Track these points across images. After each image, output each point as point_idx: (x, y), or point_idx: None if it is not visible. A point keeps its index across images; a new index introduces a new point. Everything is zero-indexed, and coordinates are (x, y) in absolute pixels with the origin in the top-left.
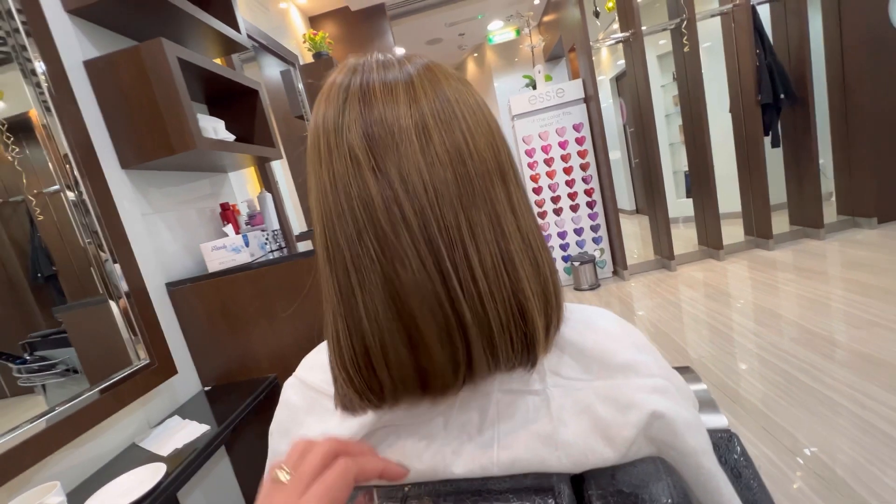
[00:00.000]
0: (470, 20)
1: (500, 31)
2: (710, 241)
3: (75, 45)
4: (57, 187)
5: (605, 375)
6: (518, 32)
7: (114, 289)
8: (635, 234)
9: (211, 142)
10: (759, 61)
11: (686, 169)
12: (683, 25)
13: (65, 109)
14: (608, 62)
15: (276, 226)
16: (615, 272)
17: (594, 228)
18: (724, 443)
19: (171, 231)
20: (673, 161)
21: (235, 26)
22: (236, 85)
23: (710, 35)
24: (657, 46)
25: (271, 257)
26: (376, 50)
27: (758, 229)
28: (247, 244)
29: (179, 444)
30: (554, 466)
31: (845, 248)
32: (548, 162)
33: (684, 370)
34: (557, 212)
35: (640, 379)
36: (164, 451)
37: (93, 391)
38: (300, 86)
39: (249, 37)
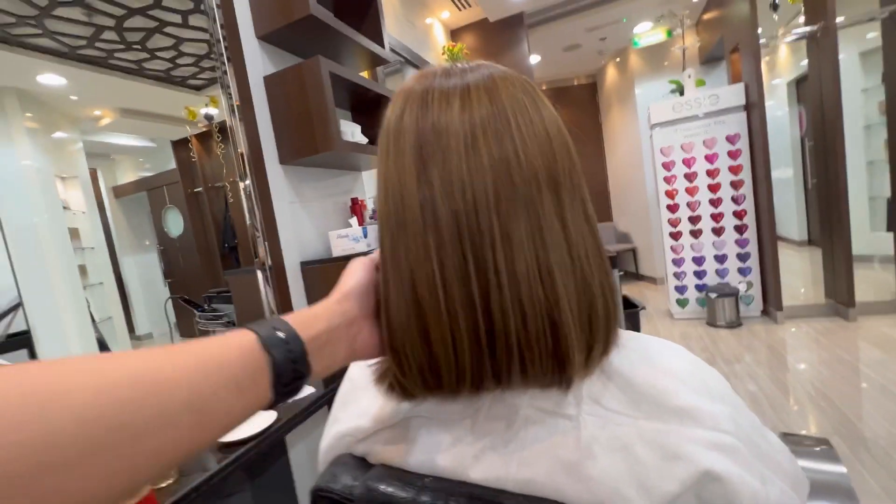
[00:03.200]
0: (613, 23)
1: (647, 34)
2: None
3: (259, 63)
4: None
5: (657, 417)
6: (669, 34)
7: (260, 262)
8: (802, 271)
9: (347, 144)
10: None
11: (889, 195)
12: None
13: (245, 115)
14: (787, 63)
15: None
16: (765, 311)
17: (742, 257)
18: None
19: (310, 218)
20: (870, 184)
21: (381, 43)
22: (374, 94)
23: None
24: (861, 41)
25: None
26: (510, 58)
27: None
28: (365, 235)
29: (290, 399)
30: (571, 499)
31: None
32: (689, 177)
33: (820, 444)
34: (695, 234)
35: (700, 430)
36: None
37: None
38: None
39: (394, 51)
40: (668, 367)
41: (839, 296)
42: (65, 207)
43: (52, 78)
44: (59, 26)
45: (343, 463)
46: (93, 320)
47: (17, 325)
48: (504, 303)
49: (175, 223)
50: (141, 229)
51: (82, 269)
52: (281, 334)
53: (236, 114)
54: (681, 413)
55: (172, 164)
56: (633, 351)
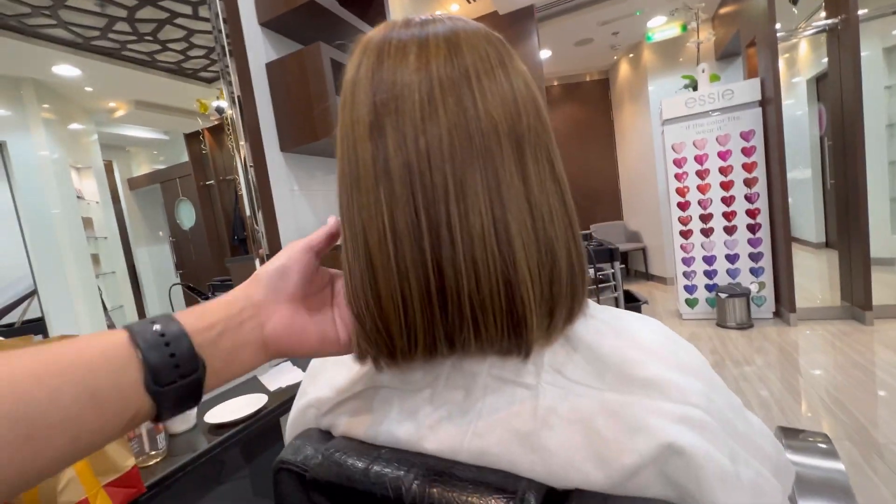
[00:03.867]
0: (626, 17)
1: (661, 28)
2: None
3: (261, 50)
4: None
5: (622, 388)
6: (684, 28)
7: (258, 248)
8: (819, 273)
9: None
10: None
11: None
12: None
13: (245, 102)
14: (807, 60)
15: None
16: (777, 313)
17: (754, 257)
18: None
19: (311, 207)
20: (892, 185)
21: None
22: None
23: None
24: (886, 36)
25: None
26: (519, 52)
27: None
28: None
29: (283, 384)
30: (524, 470)
31: None
32: (701, 174)
33: (816, 437)
34: (706, 232)
35: (666, 402)
36: (272, 387)
37: None
38: None
39: None
40: (639, 338)
41: (856, 299)
42: (79, 197)
43: (67, 69)
44: (73, 17)
45: (308, 436)
46: (104, 308)
47: (33, 312)
48: (456, 260)
49: (187, 215)
50: (155, 220)
51: (95, 258)
52: (157, 327)
53: (237, 102)
54: (647, 385)
55: (185, 157)
56: (602, 322)
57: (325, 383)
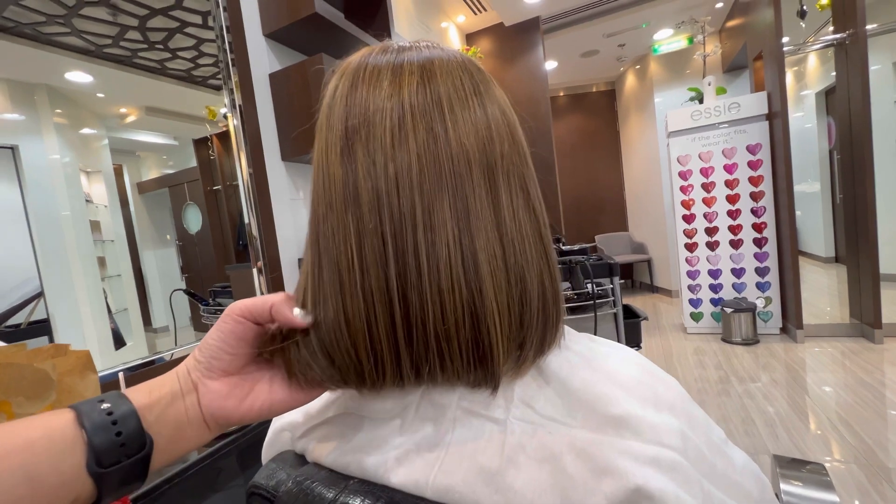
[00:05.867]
0: (632, 30)
1: (667, 41)
2: None
3: (265, 61)
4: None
5: (593, 426)
6: (691, 41)
7: (256, 257)
8: (828, 288)
9: None
10: None
11: None
12: None
13: (246, 112)
14: (816, 73)
15: None
16: (784, 329)
17: (761, 272)
18: None
19: None
20: None
21: None
22: None
23: None
24: (895, 51)
25: None
26: (524, 63)
27: None
28: None
29: None
30: None
31: None
32: (706, 187)
33: (811, 467)
34: (711, 245)
35: (637, 442)
36: None
37: None
38: None
39: None
40: (612, 371)
41: (865, 316)
42: (88, 200)
43: (79, 75)
44: (86, 25)
45: (283, 459)
46: (109, 310)
47: (39, 314)
48: (422, 288)
49: (194, 219)
50: (162, 224)
51: (101, 261)
52: (105, 405)
53: (238, 110)
54: (619, 423)
55: (194, 162)
56: (575, 354)
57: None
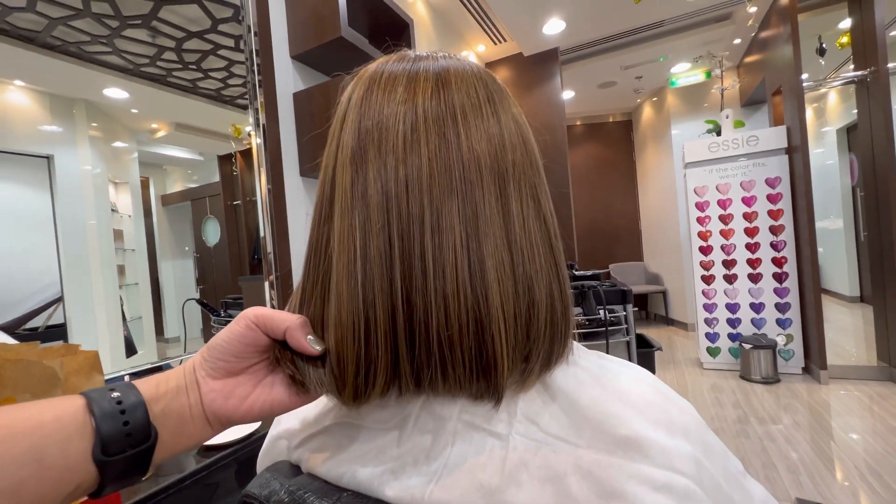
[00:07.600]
0: (650, 62)
1: (685, 74)
2: None
3: (290, 81)
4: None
5: (601, 447)
6: (708, 75)
7: (269, 270)
8: (853, 329)
9: None
10: None
11: None
12: None
13: (269, 129)
14: (837, 109)
15: None
16: (806, 369)
17: (781, 308)
18: None
19: None
20: None
21: None
22: None
23: None
24: None
25: None
26: (542, 91)
27: None
28: None
29: None
30: None
31: None
32: (724, 219)
33: None
34: (729, 279)
35: (648, 467)
36: None
37: None
38: None
39: None
40: (623, 390)
41: (893, 359)
42: (113, 210)
43: (116, 92)
44: (127, 45)
45: (278, 469)
46: (124, 318)
47: (57, 318)
48: (427, 292)
49: (213, 232)
50: (183, 236)
51: (121, 269)
52: (115, 394)
53: (261, 128)
54: (628, 445)
55: (217, 177)
56: (584, 370)
57: (295, 414)
